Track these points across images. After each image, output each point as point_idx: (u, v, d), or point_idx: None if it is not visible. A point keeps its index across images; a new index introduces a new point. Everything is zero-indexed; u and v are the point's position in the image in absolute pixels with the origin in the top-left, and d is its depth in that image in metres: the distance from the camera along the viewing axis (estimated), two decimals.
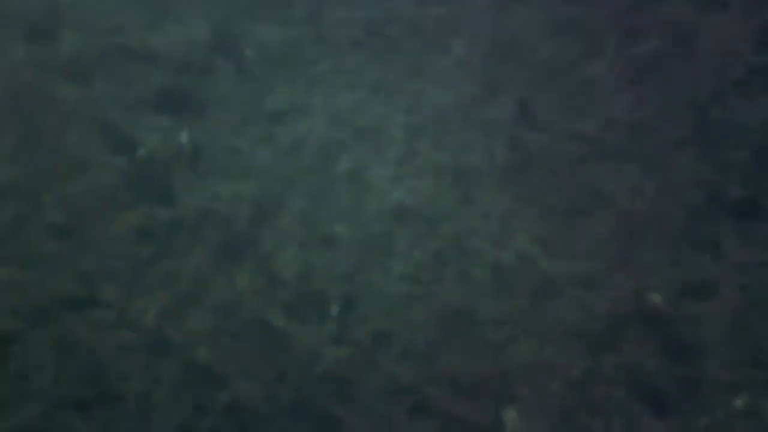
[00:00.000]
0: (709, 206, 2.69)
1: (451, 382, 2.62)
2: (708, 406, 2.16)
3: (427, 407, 2.56)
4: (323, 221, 2.69)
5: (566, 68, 2.89)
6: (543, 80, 2.70)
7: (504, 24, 3.01)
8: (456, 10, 3.09)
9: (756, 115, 2.63)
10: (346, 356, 2.60)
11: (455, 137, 2.78)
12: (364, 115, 2.82)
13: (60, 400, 2.45)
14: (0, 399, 2.38)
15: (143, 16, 3.18)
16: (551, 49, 2.92)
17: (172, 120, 2.83)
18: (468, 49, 2.95)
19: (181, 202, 2.76)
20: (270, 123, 2.86)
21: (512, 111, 2.72)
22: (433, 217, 2.67)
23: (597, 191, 2.61)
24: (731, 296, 2.42)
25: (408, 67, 2.97)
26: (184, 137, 2.79)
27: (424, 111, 2.82)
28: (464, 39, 2.99)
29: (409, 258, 2.63)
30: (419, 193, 2.68)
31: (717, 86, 2.65)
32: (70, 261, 2.60)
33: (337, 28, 3.10)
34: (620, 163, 2.63)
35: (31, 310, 2.53)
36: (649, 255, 2.63)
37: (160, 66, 3.05)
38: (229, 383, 2.58)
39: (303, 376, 2.61)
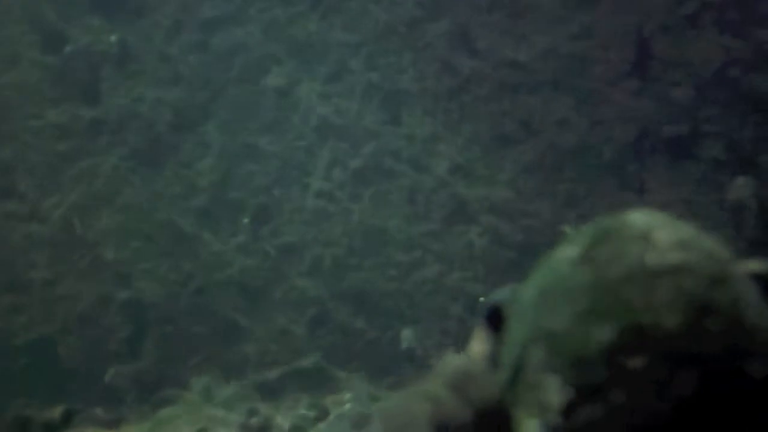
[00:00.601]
0: (640, 143, 2.64)
1: (356, 298, 2.62)
2: None
3: (329, 321, 2.57)
4: (246, 133, 2.66)
5: None
6: (487, 5, 2.63)
7: None
8: None
9: (702, 51, 2.55)
10: (254, 266, 2.61)
11: (390, 58, 2.72)
12: (301, 30, 2.75)
13: None
14: None
15: None
16: None
17: (104, 21, 2.77)
18: None
19: (105, 103, 2.72)
20: (204, 31, 2.80)
21: (450, 35, 2.66)
22: (357, 136, 2.63)
23: (526, 121, 2.56)
24: None
25: None
26: (114, 38, 2.73)
27: (362, 30, 2.75)
28: None
29: (329, 175, 2.60)
30: (346, 112, 2.64)
31: (666, 20, 2.56)
32: None
33: None
34: (553, 94, 2.57)
35: None
36: (570, 188, 2.60)
37: None
38: (132, 282, 2.59)
39: (208, 281, 2.62)
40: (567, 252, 0.95)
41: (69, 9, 2.81)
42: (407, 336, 2.35)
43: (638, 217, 0.98)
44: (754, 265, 0.96)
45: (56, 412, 2.00)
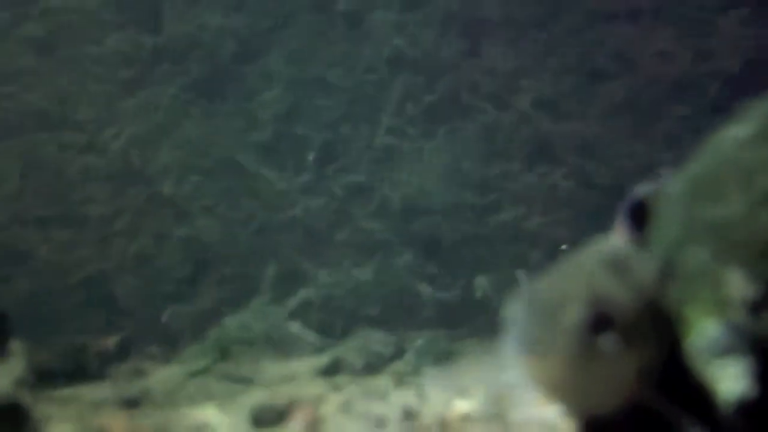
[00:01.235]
0: (749, 78, 2.37)
1: (425, 243, 2.44)
2: None
3: (396, 266, 2.40)
4: (314, 64, 2.49)
5: None
6: None
7: None
8: None
9: None
10: (318, 206, 2.45)
11: None
12: None
13: (22, 215, 2.37)
14: None
15: None
16: None
17: None
18: None
19: (167, 30, 2.58)
20: None
21: None
22: (432, 69, 2.43)
23: (621, 53, 2.32)
24: None
25: None
26: None
27: None
28: None
29: (401, 111, 2.42)
30: (421, 43, 2.45)
31: None
32: (48, 78, 2.47)
33: None
34: (653, 23, 2.33)
35: (3, 122, 2.43)
36: (669, 127, 2.35)
37: None
38: (191, 220, 2.46)
39: (269, 222, 2.48)
40: (733, 133, 0.76)
41: None
42: (481, 284, 2.16)
43: None
44: None
45: (111, 342, 1.89)
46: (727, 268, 0.64)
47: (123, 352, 1.92)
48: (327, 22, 2.50)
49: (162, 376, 1.68)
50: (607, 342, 0.77)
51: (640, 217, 0.88)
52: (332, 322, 2.29)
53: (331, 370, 1.77)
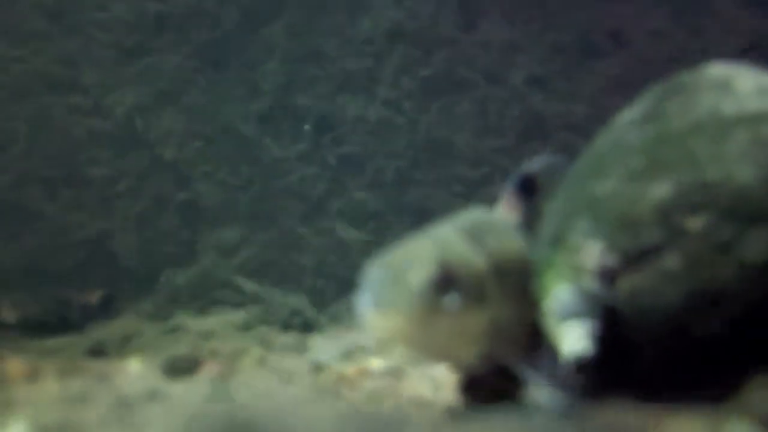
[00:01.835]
0: (745, 59, 2.36)
1: (417, 213, 2.49)
2: None
3: (388, 235, 2.45)
4: (314, 36, 2.53)
5: None
6: None
7: None
8: None
9: None
10: (314, 175, 2.51)
11: None
12: None
13: (29, 175, 2.46)
14: None
15: None
16: None
17: None
18: None
19: None
20: None
21: None
22: (429, 43, 2.46)
23: (615, 32, 2.32)
24: None
25: None
26: None
27: None
28: None
29: (397, 84, 2.46)
30: (419, 16, 2.47)
31: None
32: (57, 43, 2.55)
33: None
34: (648, 1, 2.32)
35: (12, 85, 2.51)
36: None
37: None
38: (191, 184, 2.54)
39: (267, 188, 2.54)
40: (628, 114, 0.80)
41: None
42: None
43: (718, 67, 0.82)
44: None
45: (95, 297, 1.98)
46: (589, 239, 0.69)
47: (107, 307, 2.01)
48: None
49: (127, 328, 1.76)
50: (450, 301, 0.83)
51: (529, 190, 0.93)
52: (325, 287, 2.36)
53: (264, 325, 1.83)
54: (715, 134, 0.66)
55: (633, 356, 0.65)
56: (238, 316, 1.88)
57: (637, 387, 0.61)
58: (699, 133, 0.66)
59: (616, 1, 2.29)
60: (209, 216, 2.50)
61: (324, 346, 1.61)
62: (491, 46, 2.43)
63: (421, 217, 2.53)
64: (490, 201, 2.57)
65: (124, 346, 1.59)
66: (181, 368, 1.29)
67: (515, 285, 0.89)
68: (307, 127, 2.45)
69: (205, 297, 2.26)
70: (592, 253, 0.68)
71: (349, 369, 1.29)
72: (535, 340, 0.81)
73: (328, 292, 2.34)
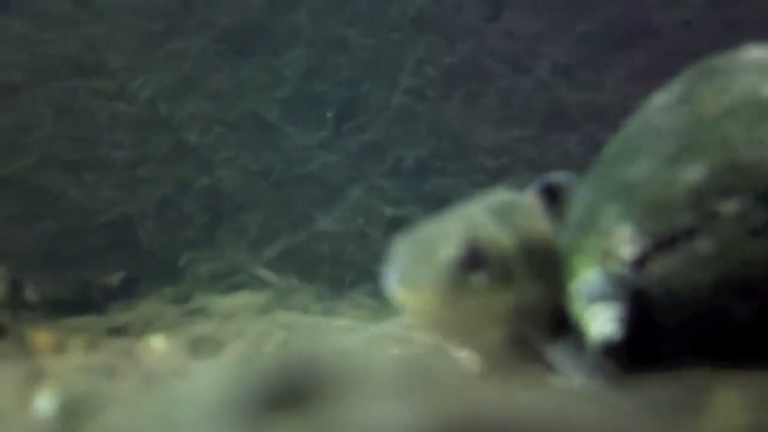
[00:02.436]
0: None
1: (437, 203, 2.47)
2: None
3: (407, 224, 2.45)
4: (338, 23, 2.53)
5: None
6: None
7: None
8: None
9: None
10: (335, 162, 2.50)
11: None
12: None
13: (53, 157, 2.48)
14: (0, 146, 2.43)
15: None
16: None
17: None
18: None
19: None
20: None
21: None
22: (453, 31, 2.45)
23: (645, 21, 2.30)
24: None
25: None
26: None
27: None
28: None
29: (420, 72, 2.45)
30: (444, 4, 2.46)
31: None
32: (83, 27, 2.56)
33: None
34: None
35: (39, 68, 2.53)
36: None
37: None
38: (213, 169, 2.54)
39: (288, 175, 2.54)
40: (660, 98, 0.79)
41: None
42: None
43: (755, 50, 0.81)
44: None
45: (115, 279, 1.99)
46: (619, 223, 0.68)
47: (128, 289, 2.02)
48: None
49: (148, 310, 1.77)
50: (478, 279, 0.84)
51: (552, 197, 0.94)
52: (341, 275, 2.36)
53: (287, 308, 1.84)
54: (750, 117, 0.65)
55: (662, 340, 0.64)
56: (259, 300, 1.89)
57: (666, 372, 0.61)
58: (734, 117, 0.65)
59: None
60: (230, 201, 2.51)
61: (346, 332, 1.61)
62: (516, 35, 2.41)
63: (440, 206, 2.52)
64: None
65: (146, 327, 1.61)
66: (205, 347, 1.30)
67: (542, 267, 0.89)
68: (329, 114, 2.44)
69: (225, 281, 2.27)
70: (623, 236, 0.68)
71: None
72: (561, 324, 0.81)
73: (347, 280, 2.34)
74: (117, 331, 1.58)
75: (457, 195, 2.41)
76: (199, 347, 1.29)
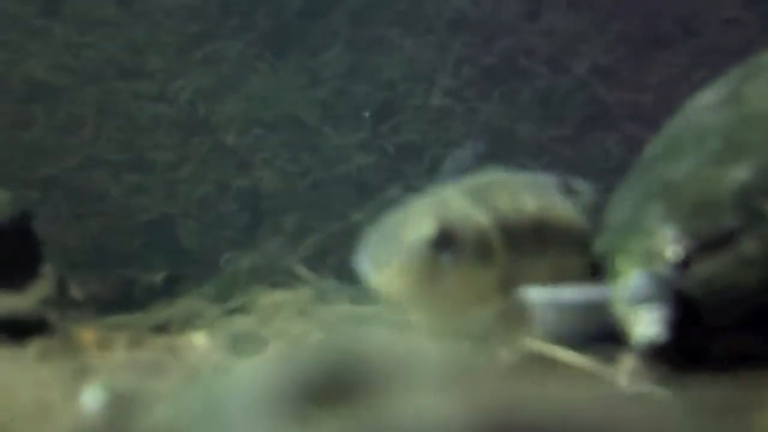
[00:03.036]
0: None
1: None
2: None
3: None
4: (376, 23, 2.53)
5: None
6: None
7: None
8: None
9: None
10: (372, 163, 2.51)
11: None
12: None
13: (96, 158, 2.53)
14: (43, 147, 2.49)
15: None
16: None
17: None
18: None
19: None
20: None
21: None
22: (492, 30, 2.44)
23: (686, 20, 2.26)
24: None
25: None
26: None
27: None
28: None
29: (458, 72, 2.44)
30: (482, 4, 2.45)
31: None
32: (125, 29, 2.60)
33: None
34: None
35: (81, 71, 2.58)
36: None
37: None
38: (252, 170, 2.57)
39: (325, 176, 2.56)
40: (704, 98, 0.78)
41: None
42: None
43: None
44: None
45: (158, 278, 2.03)
46: (663, 224, 0.67)
47: (169, 288, 2.05)
48: None
49: (190, 308, 1.80)
50: (450, 258, 0.84)
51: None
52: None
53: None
54: None
55: (708, 343, 0.63)
56: (298, 300, 1.91)
57: (713, 373, 0.60)
58: None
59: None
60: (268, 201, 2.54)
61: (384, 330, 1.62)
62: (555, 34, 2.39)
63: None
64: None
65: (187, 324, 1.63)
66: (246, 345, 1.32)
67: (532, 244, 0.89)
68: (366, 115, 2.45)
69: (264, 281, 2.30)
70: (667, 237, 0.67)
71: None
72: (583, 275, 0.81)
73: None
74: (160, 329, 1.61)
75: None
76: (240, 344, 1.31)
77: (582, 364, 0.77)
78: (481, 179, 1.09)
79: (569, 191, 1.01)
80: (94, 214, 2.47)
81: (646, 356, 0.64)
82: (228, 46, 2.61)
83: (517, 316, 0.86)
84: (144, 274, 2.19)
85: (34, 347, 1.25)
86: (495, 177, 1.10)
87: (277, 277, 2.31)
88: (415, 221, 1.00)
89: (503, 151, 2.40)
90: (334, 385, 0.41)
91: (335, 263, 2.46)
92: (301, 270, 2.27)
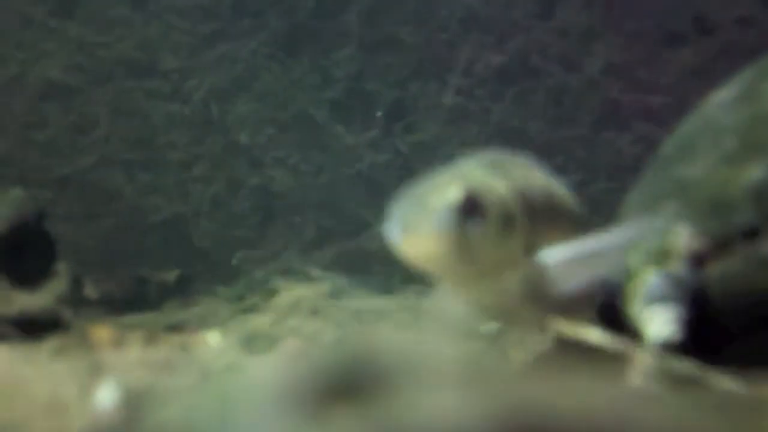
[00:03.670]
0: None
1: None
2: None
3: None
4: (388, 22, 2.53)
5: None
6: None
7: None
8: None
9: None
10: (384, 162, 2.51)
11: None
12: None
13: (110, 157, 2.54)
14: (58, 147, 2.50)
15: None
16: None
17: None
18: None
19: None
20: None
21: None
22: (503, 29, 2.43)
23: (700, 18, 2.25)
24: None
25: None
26: None
27: None
28: None
29: (470, 71, 2.44)
30: (494, 2, 2.44)
31: None
32: (138, 29, 2.62)
33: None
34: None
35: (95, 70, 2.59)
36: None
37: None
38: (264, 169, 2.57)
39: (337, 175, 2.56)
40: (718, 96, 0.78)
41: None
42: None
43: None
44: None
45: (171, 276, 2.04)
46: (678, 223, 0.67)
47: (182, 287, 2.06)
48: None
49: (203, 307, 1.81)
50: (477, 224, 0.87)
51: None
52: (391, 274, 2.37)
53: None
54: None
55: (723, 343, 0.63)
56: (310, 299, 1.91)
57: (727, 372, 0.60)
58: None
59: None
60: (281, 201, 2.54)
61: (398, 328, 1.62)
62: (568, 32, 2.38)
63: None
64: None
65: (201, 323, 1.64)
66: (260, 344, 1.32)
67: (544, 218, 0.94)
68: (379, 114, 2.45)
69: (277, 280, 2.30)
70: (682, 236, 0.67)
71: None
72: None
73: (396, 280, 2.35)
74: (173, 328, 1.62)
75: None
76: (253, 343, 1.32)
77: (607, 345, 0.78)
78: (493, 155, 1.16)
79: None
80: (107, 213, 2.48)
81: (661, 356, 0.64)
82: (241, 45, 2.62)
83: (540, 280, 0.89)
84: (157, 272, 2.20)
85: (49, 345, 1.26)
86: (503, 155, 1.16)
87: (291, 277, 2.32)
88: (441, 190, 1.03)
89: (515, 150, 2.39)
90: (348, 384, 0.41)
91: (348, 263, 2.46)
92: (315, 270, 2.27)
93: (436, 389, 0.36)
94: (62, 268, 1.66)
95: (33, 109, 2.54)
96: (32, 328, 1.34)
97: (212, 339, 1.37)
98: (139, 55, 2.61)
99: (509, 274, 0.92)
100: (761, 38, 2.23)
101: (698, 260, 0.65)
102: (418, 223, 0.99)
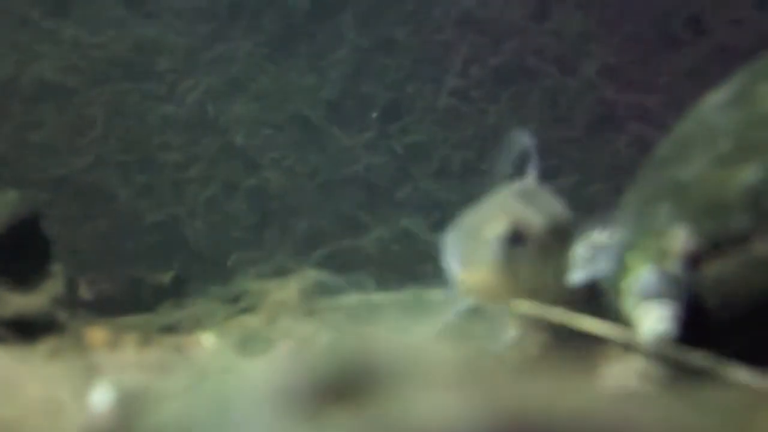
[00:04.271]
0: None
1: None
2: None
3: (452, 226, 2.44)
4: (384, 24, 2.53)
5: None
6: None
7: None
8: None
9: None
10: (380, 164, 2.51)
11: None
12: None
13: (105, 158, 2.54)
14: (53, 148, 2.50)
15: None
16: None
17: None
18: None
19: None
20: None
21: None
22: (499, 31, 2.43)
23: (695, 20, 2.26)
24: None
25: None
26: None
27: None
28: None
29: (465, 73, 2.44)
30: (490, 4, 2.45)
31: None
32: (134, 30, 2.61)
33: None
34: None
35: (91, 71, 2.59)
36: None
37: None
38: (260, 170, 2.57)
39: (333, 176, 2.56)
40: (714, 98, 0.78)
41: None
42: None
43: None
44: None
45: (166, 278, 2.04)
46: (674, 224, 0.67)
47: (177, 288, 2.06)
48: None
49: (198, 309, 1.81)
50: (523, 252, 0.98)
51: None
52: (387, 276, 2.37)
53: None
54: None
55: (717, 343, 0.63)
56: (305, 300, 1.91)
57: (719, 374, 0.60)
58: None
59: None
60: (277, 202, 2.54)
61: (395, 330, 1.62)
62: (563, 34, 2.39)
63: None
64: (557, 191, 2.52)
65: (196, 324, 1.64)
66: (255, 345, 1.32)
67: (564, 242, 1.06)
68: (374, 115, 2.45)
69: (273, 281, 2.30)
70: (678, 236, 0.67)
71: None
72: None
73: (392, 282, 2.35)
74: (168, 329, 1.62)
75: None
76: (248, 345, 1.32)
77: (606, 333, 0.81)
78: (519, 187, 1.35)
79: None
80: (103, 215, 2.48)
81: (654, 352, 0.64)
82: (237, 47, 2.62)
83: (574, 297, 1.00)
84: (152, 273, 2.19)
85: (44, 346, 1.26)
86: (526, 186, 1.36)
87: (286, 279, 2.32)
88: (490, 224, 1.15)
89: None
90: (343, 385, 0.41)
91: (344, 264, 2.46)
92: (310, 272, 2.27)
93: (430, 389, 0.36)
94: (57, 269, 1.66)
95: (28, 110, 2.54)
96: (27, 330, 1.34)
97: (207, 340, 1.37)
98: (134, 56, 2.60)
99: (548, 295, 1.04)
100: (755, 40, 2.23)
101: (694, 260, 0.65)
102: (474, 256, 1.11)
